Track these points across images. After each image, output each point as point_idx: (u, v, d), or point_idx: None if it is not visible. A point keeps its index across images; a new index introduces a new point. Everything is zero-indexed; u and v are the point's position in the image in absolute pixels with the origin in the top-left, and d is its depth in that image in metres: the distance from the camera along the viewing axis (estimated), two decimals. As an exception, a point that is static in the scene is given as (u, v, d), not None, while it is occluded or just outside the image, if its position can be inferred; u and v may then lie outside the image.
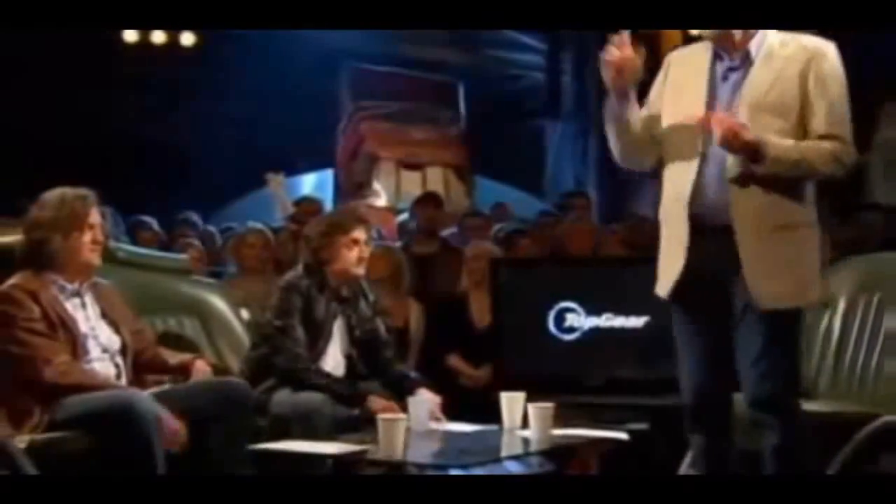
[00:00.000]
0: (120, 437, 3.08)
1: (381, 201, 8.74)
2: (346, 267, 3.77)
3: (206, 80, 8.22)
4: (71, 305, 3.37)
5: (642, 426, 3.91)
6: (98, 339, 3.39)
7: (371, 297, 3.92)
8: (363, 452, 3.11)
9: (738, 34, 2.93)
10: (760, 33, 2.93)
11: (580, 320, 4.50)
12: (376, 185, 8.78)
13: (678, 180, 2.96)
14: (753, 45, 2.93)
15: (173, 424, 3.18)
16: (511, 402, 3.40)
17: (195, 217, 6.56)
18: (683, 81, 3.02)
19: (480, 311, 4.97)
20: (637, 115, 3.02)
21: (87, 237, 3.37)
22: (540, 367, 4.51)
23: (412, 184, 8.68)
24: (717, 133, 2.84)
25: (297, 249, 4.68)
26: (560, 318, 4.52)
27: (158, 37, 8.16)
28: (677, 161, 2.98)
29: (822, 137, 2.87)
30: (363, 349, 3.84)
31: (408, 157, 8.90)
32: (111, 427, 3.09)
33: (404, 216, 7.26)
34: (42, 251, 3.34)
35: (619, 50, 2.93)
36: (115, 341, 3.43)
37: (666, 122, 3.01)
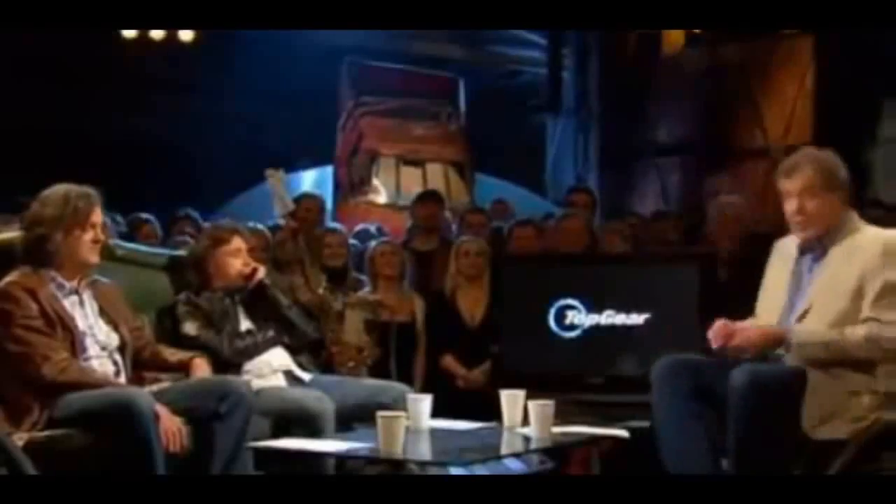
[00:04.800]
0: (119, 436, 3.08)
1: (382, 198, 8.73)
2: None
3: (204, 76, 8.22)
4: (69, 303, 3.37)
5: (643, 424, 3.91)
6: (96, 336, 3.39)
7: None
8: (363, 450, 3.11)
9: (821, 232, 3.20)
10: (840, 228, 3.19)
11: (581, 317, 4.49)
12: (376, 182, 8.76)
13: None
14: (830, 240, 3.19)
15: (172, 423, 3.18)
16: (511, 400, 3.40)
17: (195, 214, 6.56)
18: (774, 277, 3.32)
19: (472, 308, 4.97)
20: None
21: (88, 236, 3.37)
22: (540, 365, 4.50)
23: (412, 180, 8.66)
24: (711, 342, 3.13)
25: (297, 247, 4.69)
26: (561, 316, 4.52)
27: (157, 33, 8.15)
28: None
29: (865, 320, 3.07)
30: None
31: (408, 153, 8.88)
32: (110, 425, 3.09)
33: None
34: (43, 248, 3.34)
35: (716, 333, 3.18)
36: (113, 339, 3.43)
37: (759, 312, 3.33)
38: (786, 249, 3.36)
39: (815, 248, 3.26)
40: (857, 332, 3.06)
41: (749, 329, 3.14)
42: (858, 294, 3.10)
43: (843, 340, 3.06)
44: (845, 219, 3.23)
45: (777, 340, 3.12)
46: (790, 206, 3.24)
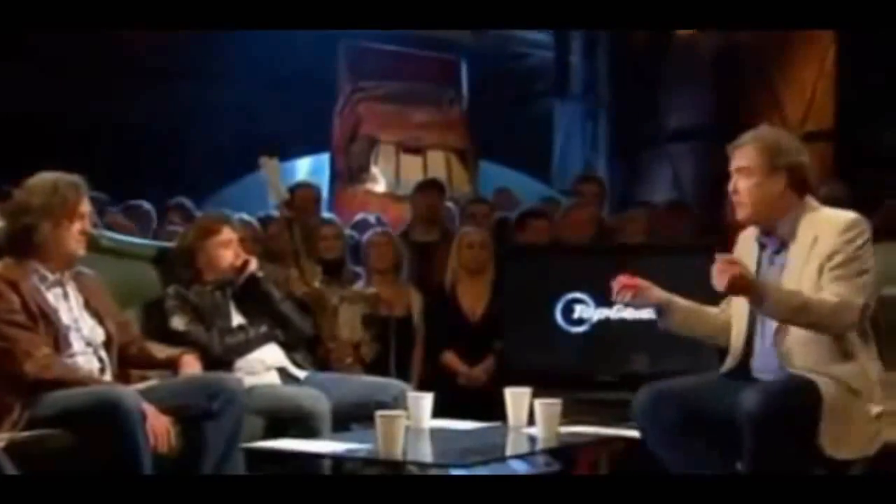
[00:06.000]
0: (104, 436, 3.07)
1: (380, 187, 8.72)
2: None
3: (195, 61, 8.19)
4: (52, 296, 3.36)
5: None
6: (81, 331, 3.37)
7: None
8: (361, 451, 3.10)
9: (760, 217, 3.18)
10: (795, 221, 3.16)
11: (589, 312, 4.49)
12: (374, 170, 8.75)
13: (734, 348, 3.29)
14: (786, 232, 3.17)
15: (160, 422, 3.16)
16: (516, 399, 3.39)
17: (188, 203, 6.56)
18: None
19: (473, 302, 4.95)
20: (691, 310, 3.35)
21: (76, 226, 3.36)
22: (547, 362, 4.49)
23: (412, 168, 8.66)
24: (713, 278, 3.07)
25: (292, 238, 4.67)
26: (568, 310, 4.51)
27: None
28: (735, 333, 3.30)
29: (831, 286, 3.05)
30: None
31: (408, 140, 8.87)
32: (94, 425, 3.08)
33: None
34: (28, 238, 3.32)
35: (621, 282, 3.26)
36: (98, 334, 3.41)
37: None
38: (747, 242, 3.33)
39: (772, 242, 3.22)
40: (828, 302, 3.01)
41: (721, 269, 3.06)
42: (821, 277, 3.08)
43: (814, 307, 3.01)
44: (800, 207, 3.17)
45: (747, 291, 3.06)
46: (730, 186, 3.23)
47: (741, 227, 3.40)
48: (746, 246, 3.32)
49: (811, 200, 3.20)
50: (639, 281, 3.27)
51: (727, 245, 3.34)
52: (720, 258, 3.05)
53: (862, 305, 3.05)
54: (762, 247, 3.26)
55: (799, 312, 3.03)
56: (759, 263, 3.25)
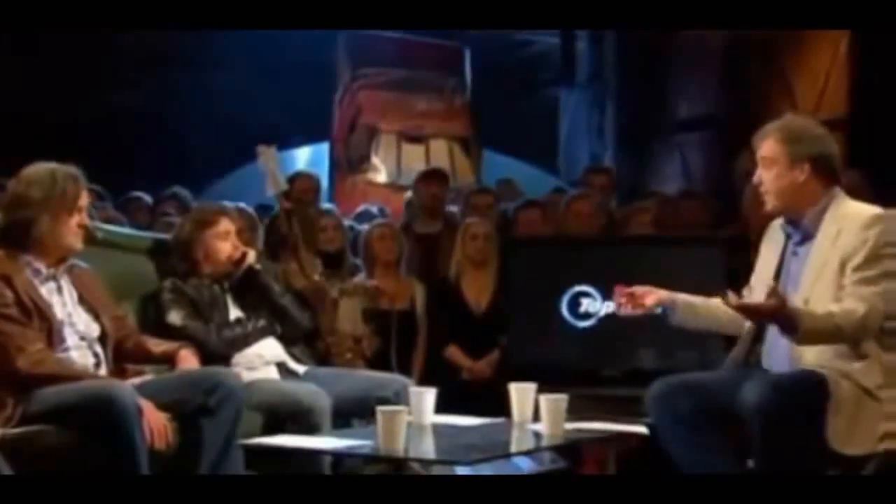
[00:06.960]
0: (99, 432, 3.07)
1: (381, 177, 8.73)
2: None
3: (192, 48, 8.20)
4: (46, 290, 3.36)
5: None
6: (75, 326, 3.38)
7: None
8: (362, 448, 3.10)
9: (784, 207, 3.21)
10: (821, 212, 3.17)
11: (596, 305, 4.49)
12: (375, 160, 8.76)
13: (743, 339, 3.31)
14: (812, 223, 3.17)
15: (157, 418, 3.17)
16: (521, 394, 3.39)
17: (184, 193, 6.57)
18: (765, 257, 3.33)
19: (477, 293, 4.96)
20: (697, 304, 3.38)
21: (74, 220, 3.36)
22: (552, 356, 4.51)
23: (414, 158, 8.66)
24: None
25: (290, 230, 4.68)
26: (574, 304, 4.51)
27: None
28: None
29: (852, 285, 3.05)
30: None
31: (410, 129, 8.87)
32: (90, 421, 3.08)
33: (409, 194, 7.23)
34: (25, 231, 3.32)
35: (619, 294, 3.35)
36: (93, 328, 3.42)
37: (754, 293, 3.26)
38: (776, 232, 3.36)
39: (797, 232, 3.23)
40: (856, 314, 3.01)
41: (751, 304, 3.06)
42: (843, 275, 3.08)
43: (842, 326, 3.01)
44: (826, 198, 3.18)
45: (778, 318, 3.03)
46: (755, 177, 3.26)
47: (755, 218, 3.41)
48: (774, 235, 3.34)
49: (839, 192, 3.20)
50: (635, 289, 3.32)
51: (745, 237, 3.35)
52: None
53: (883, 311, 3.04)
54: (788, 237, 3.28)
55: (832, 337, 3.03)
56: (783, 253, 3.26)
